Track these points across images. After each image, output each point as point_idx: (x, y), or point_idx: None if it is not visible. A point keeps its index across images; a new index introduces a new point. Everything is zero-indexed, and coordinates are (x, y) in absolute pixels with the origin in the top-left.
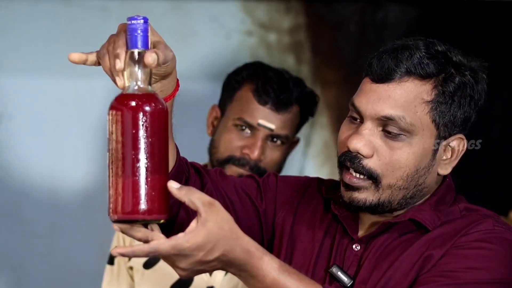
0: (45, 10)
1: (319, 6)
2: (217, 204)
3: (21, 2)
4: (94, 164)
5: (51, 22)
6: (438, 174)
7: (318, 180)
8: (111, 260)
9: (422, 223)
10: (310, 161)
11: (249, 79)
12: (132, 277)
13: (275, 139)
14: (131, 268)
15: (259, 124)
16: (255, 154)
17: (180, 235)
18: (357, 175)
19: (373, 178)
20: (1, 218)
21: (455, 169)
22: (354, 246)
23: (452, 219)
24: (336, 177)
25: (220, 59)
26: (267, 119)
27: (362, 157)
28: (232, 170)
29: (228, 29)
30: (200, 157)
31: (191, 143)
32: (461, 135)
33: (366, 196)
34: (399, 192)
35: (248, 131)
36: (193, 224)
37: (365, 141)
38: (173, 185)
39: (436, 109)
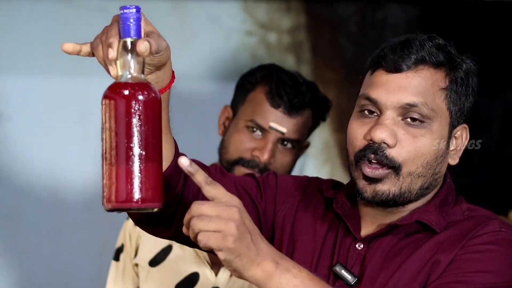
0: (45, 10)
1: (319, 6)
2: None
3: (21, 2)
4: (94, 164)
5: (51, 22)
6: (448, 164)
7: (318, 180)
8: (116, 256)
9: (429, 225)
10: (310, 161)
11: (262, 81)
12: (137, 274)
13: (285, 143)
14: (136, 265)
15: (270, 127)
16: (265, 157)
17: None
18: (378, 166)
19: (395, 167)
20: (1, 218)
21: (455, 169)
22: (357, 245)
23: (456, 220)
24: (336, 177)
25: (220, 59)
26: (279, 123)
27: (385, 147)
28: (241, 172)
29: (228, 29)
30: (200, 156)
31: (191, 142)
32: (465, 125)
33: (389, 187)
34: (418, 180)
35: (259, 133)
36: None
37: (389, 130)
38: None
39: (450, 97)
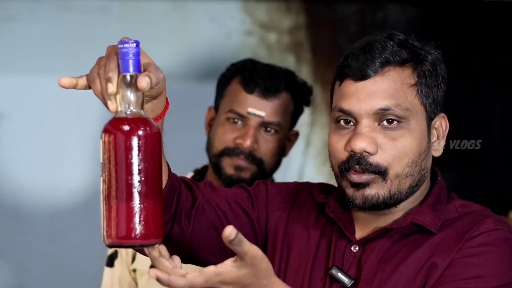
0: (45, 11)
1: (319, 6)
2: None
3: (21, 2)
4: (94, 164)
5: (51, 23)
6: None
7: (308, 184)
8: (110, 263)
9: (425, 226)
10: (310, 161)
11: (237, 73)
12: (135, 280)
13: (268, 128)
14: (134, 270)
15: (248, 113)
16: (247, 142)
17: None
18: (364, 172)
19: (381, 172)
20: (1, 218)
21: (454, 170)
22: (352, 248)
23: (451, 219)
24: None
25: (220, 59)
26: (256, 107)
27: (367, 155)
28: (228, 163)
29: (228, 29)
30: (199, 157)
31: (190, 143)
32: (442, 114)
33: (377, 190)
34: (406, 180)
35: (240, 122)
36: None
37: (368, 138)
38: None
39: (421, 91)
